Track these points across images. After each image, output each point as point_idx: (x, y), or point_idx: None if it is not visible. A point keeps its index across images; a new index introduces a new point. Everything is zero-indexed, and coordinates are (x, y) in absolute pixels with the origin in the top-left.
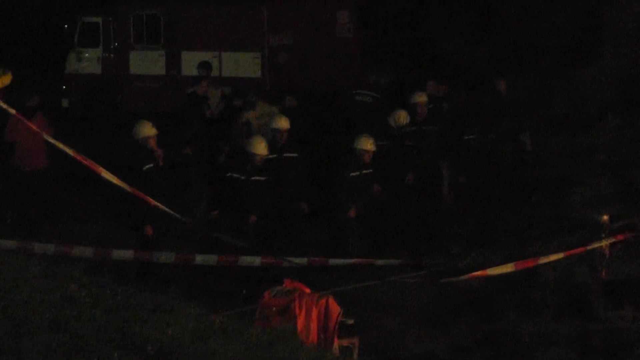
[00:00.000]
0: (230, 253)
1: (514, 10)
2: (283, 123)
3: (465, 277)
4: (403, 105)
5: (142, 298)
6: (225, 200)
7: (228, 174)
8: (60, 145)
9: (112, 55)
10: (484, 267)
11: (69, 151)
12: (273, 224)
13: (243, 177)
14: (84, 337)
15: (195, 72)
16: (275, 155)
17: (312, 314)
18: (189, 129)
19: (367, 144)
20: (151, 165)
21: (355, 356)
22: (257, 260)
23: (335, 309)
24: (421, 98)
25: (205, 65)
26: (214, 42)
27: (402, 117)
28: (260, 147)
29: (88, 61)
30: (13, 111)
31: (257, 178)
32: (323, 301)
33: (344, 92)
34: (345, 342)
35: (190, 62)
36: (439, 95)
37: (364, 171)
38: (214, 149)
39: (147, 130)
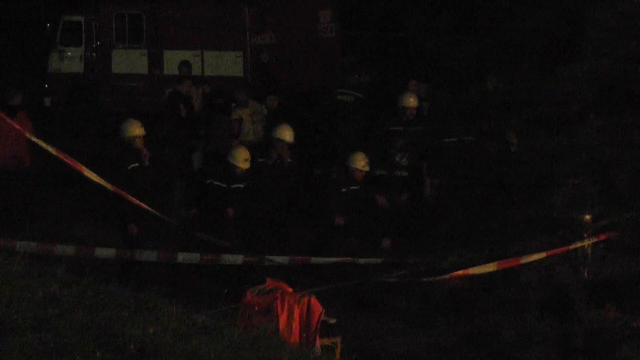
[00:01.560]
0: (212, 252)
1: (496, 9)
2: (286, 135)
3: (447, 276)
4: (389, 105)
5: (124, 297)
6: (203, 203)
7: (208, 181)
8: (43, 144)
9: (94, 54)
10: (466, 267)
11: (52, 150)
12: (255, 225)
13: (224, 185)
14: (66, 336)
15: (177, 71)
16: (271, 162)
17: (294, 314)
18: (164, 128)
19: (360, 164)
20: (136, 164)
21: (337, 355)
22: (239, 259)
23: (317, 308)
24: (411, 100)
25: (185, 64)
26: (197, 41)
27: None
28: (242, 161)
29: (70, 60)
30: None
31: (238, 185)
32: (305, 300)
33: (326, 92)
34: (327, 342)
35: (172, 61)
36: (421, 94)
37: (352, 187)
38: (189, 148)
39: (135, 129)
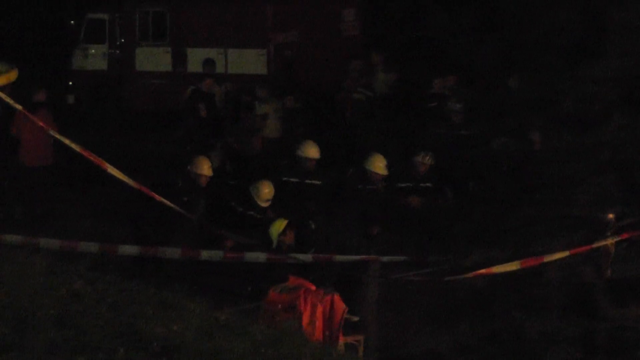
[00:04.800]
0: (235, 249)
1: (518, 9)
2: (312, 152)
3: (470, 275)
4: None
5: (148, 294)
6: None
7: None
8: (66, 141)
9: (118, 51)
10: (489, 266)
11: (75, 147)
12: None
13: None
14: (89, 333)
15: (200, 69)
16: (297, 180)
17: (317, 311)
18: (183, 127)
19: (379, 167)
20: (190, 197)
21: (360, 353)
22: (262, 257)
23: (340, 306)
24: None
25: (210, 62)
26: (220, 39)
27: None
28: (263, 200)
29: (94, 57)
30: (19, 107)
31: (252, 214)
32: (328, 298)
33: (345, 90)
34: (350, 339)
35: (196, 58)
36: (445, 92)
37: (369, 186)
38: (207, 147)
39: (204, 169)
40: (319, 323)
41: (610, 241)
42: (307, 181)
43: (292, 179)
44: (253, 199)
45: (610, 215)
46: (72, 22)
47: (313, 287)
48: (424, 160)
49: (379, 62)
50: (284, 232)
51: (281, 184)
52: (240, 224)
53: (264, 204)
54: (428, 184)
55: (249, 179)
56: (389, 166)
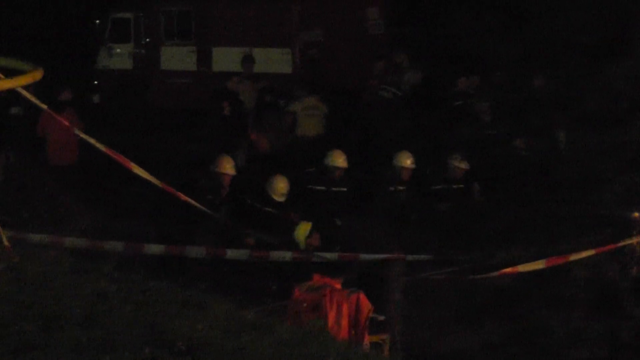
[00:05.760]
0: (260, 248)
1: (543, 7)
2: (340, 161)
3: (496, 273)
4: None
5: (173, 293)
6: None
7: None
8: (92, 140)
9: (143, 51)
10: (514, 264)
11: (100, 146)
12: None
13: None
14: (114, 333)
15: (225, 68)
16: (323, 188)
17: (342, 310)
18: (208, 125)
19: (407, 162)
20: (214, 196)
21: (385, 352)
22: (287, 256)
23: (366, 305)
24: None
25: (249, 60)
26: (245, 38)
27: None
28: (279, 195)
29: (119, 57)
30: (44, 106)
31: (270, 210)
32: (354, 297)
33: (370, 88)
34: (375, 338)
35: (221, 58)
36: (470, 92)
37: (399, 187)
38: (232, 146)
39: (227, 167)
40: (344, 322)
41: (635, 240)
42: (334, 189)
43: (317, 187)
44: (269, 195)
45: (636, 214)
46: (97, 21)
47: (338, 286)
48: (461, 164)
49: (403, 61)
50: (310, 235)
51: (307, 192)
52: (259, 221)
53: (280, 199)
54: (460, 185)
55: (265, 176)
56: (422, 167)
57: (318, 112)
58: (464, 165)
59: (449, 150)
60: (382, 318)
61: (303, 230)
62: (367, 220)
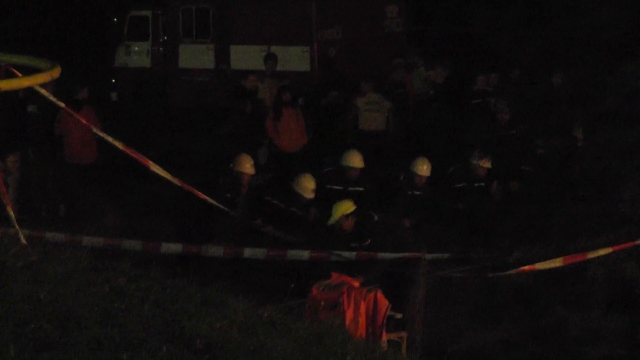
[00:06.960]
0: (278, 246)
1: (562, 4)
2: (357, 162)
3: (514, 271)
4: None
5: (191, 292)
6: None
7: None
8: (109, 139)
9: (161, 48)
10: (532, 262)
11: (118, 144)
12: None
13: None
14: (132, 331)
15: (244, 66)
16: (340, 188)
17: (360, 308)
18: (229, 124)
19: (422, 169)
20: (233, 195)
21: (403, 350)
22: (305, 254)
23: (384, 303)
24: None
25: (272, 58)
26: (263, 36)
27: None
28: (309, 192)
29: (137, 55)
30: (62, 104)
31: (295, 210)
32: (371, 295)
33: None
34: (393, 337)
35: (239, 56)
36: (489, 89)
37: (415, 192)
38: (252, 144)
39: (247, 167)
40: (362, 320)
41: None
42: (351, 188)
43: (335, 187)
44: (297, 194)
45: None
46: (115, 19)
47: (356, 284)
48: (484, 164)
49: (417, 61)
50: (347, 217)
51: (325, 191)
52: (282, 222)
53: (311, 195)
54: (482, 184)
55: (288, 175)
56: (445, 165)
57: (379, 107)
58: (487, 164)
59: (471, 148)
60: (399, 316)
61: (344, 208)
62: (389, 219)
